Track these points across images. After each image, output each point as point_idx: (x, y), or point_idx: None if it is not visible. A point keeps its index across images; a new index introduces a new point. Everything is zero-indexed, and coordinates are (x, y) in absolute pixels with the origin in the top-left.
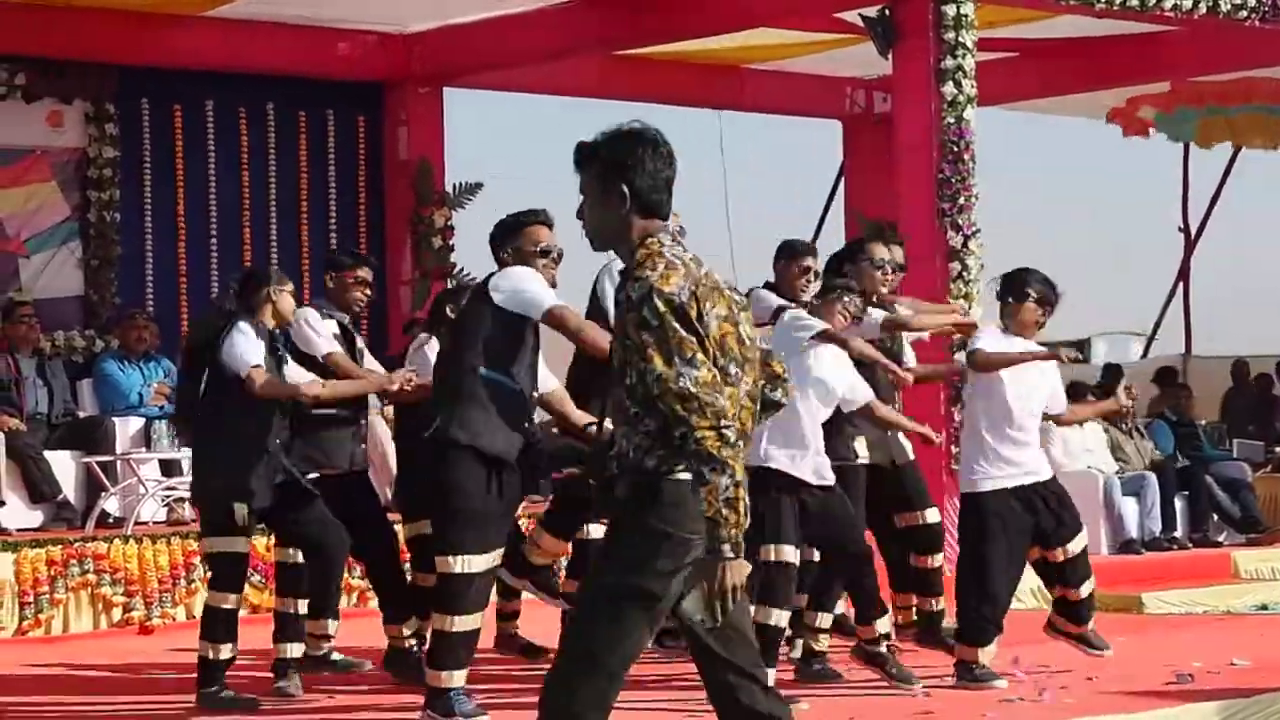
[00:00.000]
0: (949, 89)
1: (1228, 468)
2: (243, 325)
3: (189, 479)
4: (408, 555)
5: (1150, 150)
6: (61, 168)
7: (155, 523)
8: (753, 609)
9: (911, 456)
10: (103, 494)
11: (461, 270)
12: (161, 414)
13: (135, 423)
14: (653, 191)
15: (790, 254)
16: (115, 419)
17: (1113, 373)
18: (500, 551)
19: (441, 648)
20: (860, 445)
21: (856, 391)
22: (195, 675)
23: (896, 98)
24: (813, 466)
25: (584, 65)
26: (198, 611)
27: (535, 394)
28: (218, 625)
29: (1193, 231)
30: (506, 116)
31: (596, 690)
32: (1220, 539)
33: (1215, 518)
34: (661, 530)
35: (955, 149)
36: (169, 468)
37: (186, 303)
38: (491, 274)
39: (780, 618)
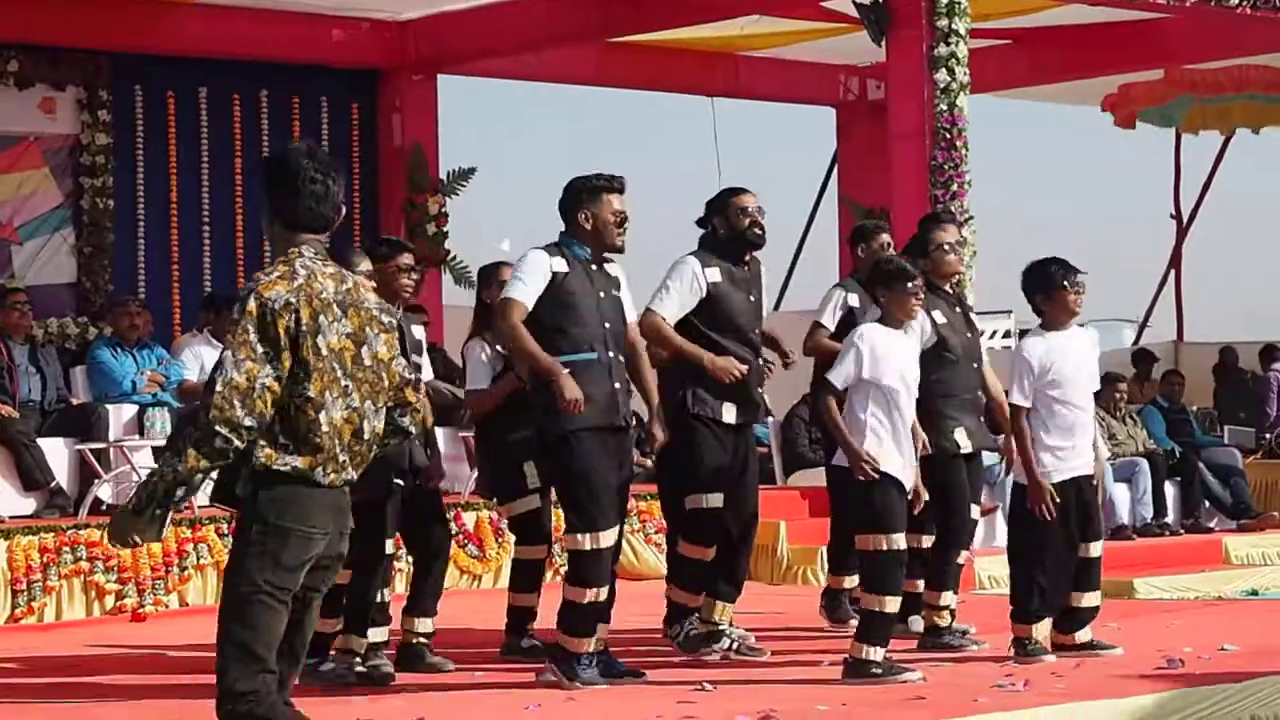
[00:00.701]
0: (942, 76)
1: (1219, 454)
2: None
3: None
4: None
5: (1142, 138)
6: (54, 154)
7: None
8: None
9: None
10: (96, 481)
11: (455, 257)
12: (154, 401)
13: (128, 410)
14: (294, 207)
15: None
16: (108, 406)
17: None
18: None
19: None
20: (961, 435)
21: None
22: (193, 662)
23: (890, 85)
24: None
25: (578, 52)
26: (191, 599)
27: None
28: None
29: (1184, 218)
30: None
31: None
32: (1211, 525)
33: (1206, 504)
34: (277, 525)
35: (948, 136)
36: (162, 455)
37: (179, 290)
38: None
39: (893, 604)
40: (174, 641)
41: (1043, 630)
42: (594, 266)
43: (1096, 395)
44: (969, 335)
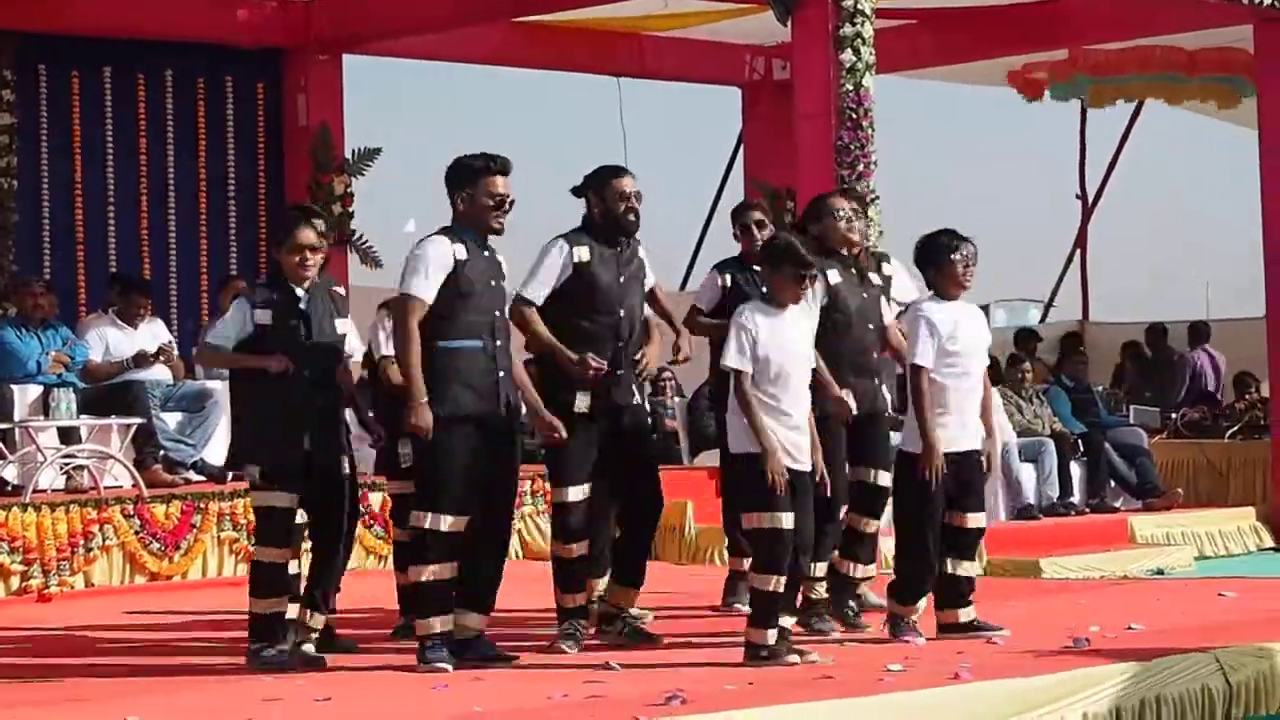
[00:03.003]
0: (848, 56)
1: (1125, 434)
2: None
3: (88, 447)
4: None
5: (1047, 116)
6: None
7: (54, 491)
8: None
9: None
10: (0, 462)
11: (360, 237)
12: (60, 382)
13: (33, 390)
14: None
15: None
16: (13, 387)
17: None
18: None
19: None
20: (848, 398)
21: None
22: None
23: (796, 65)
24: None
25: (484, 33)
26: (96, 580)
27: None
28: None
29: (1089, 198)
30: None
31: None
32: (1117, 505)
33: (1112, 484)
34: None
35: (854, 116)
36: (67, 435)
37: (84, 270)
38: None
39: (779, 583)
40: (80, 621)
41: (919, 611)
42: (484, 252)
43: (1003, 374)
44: (864, 295)
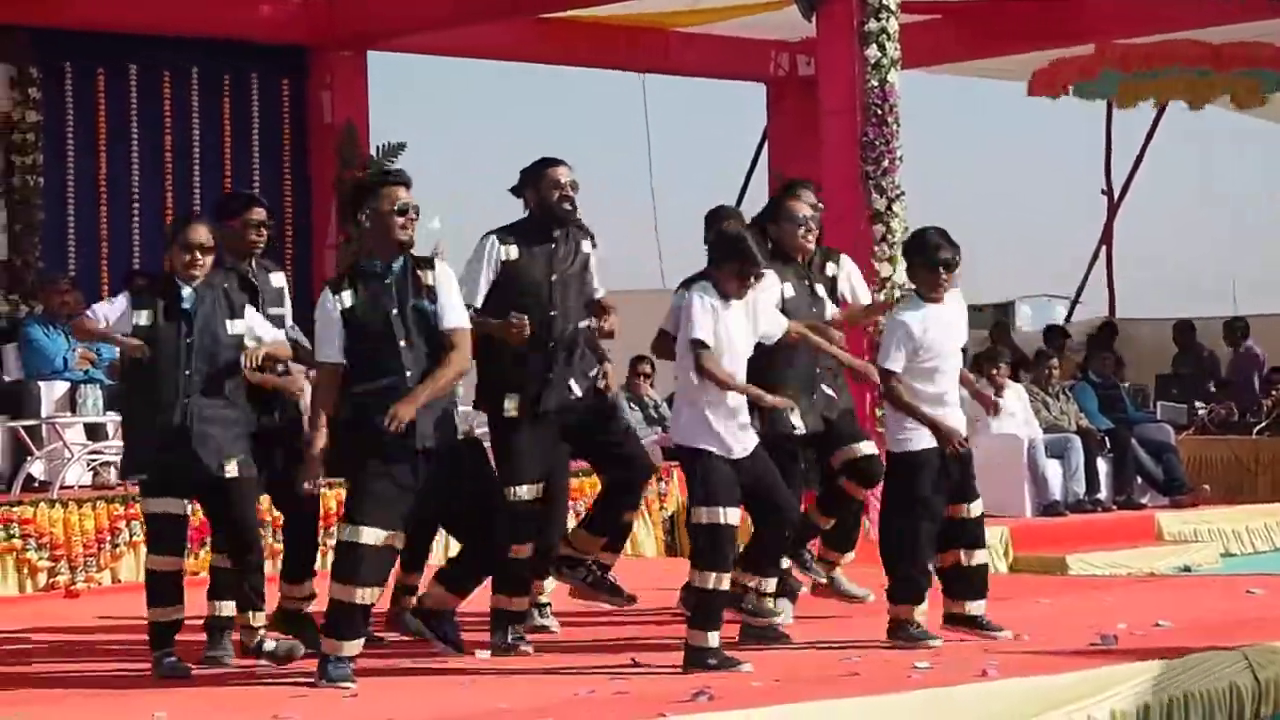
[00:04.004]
0: (873, 52)
1: (1151, 430)
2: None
3: (115, 443)
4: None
5: (1073, 113)
6: None
7: (80, 487)
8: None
9: (843, 408)
10: (28, 458)
11: None
12: (86, 378)
13: (60, 387)
14: None
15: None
16: (40, 384)
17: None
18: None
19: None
20: (795, 418)
21: (774, 325)
22: (127, 640)
23: (820, 60)
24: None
25: (508, 28)
26: (124, 576)
27: None
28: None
29: (1115, 194)
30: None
31: None
32: (1144, 501)
33: (1139, 480)
34: None
35: (879, 112)
36: (94, 432)
37: (108, 268)
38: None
39: (721, 580)
40: (107, 617)
41: (922, 611)
42: (386, 280)
43: (1030, 370)
44: (813, 311)
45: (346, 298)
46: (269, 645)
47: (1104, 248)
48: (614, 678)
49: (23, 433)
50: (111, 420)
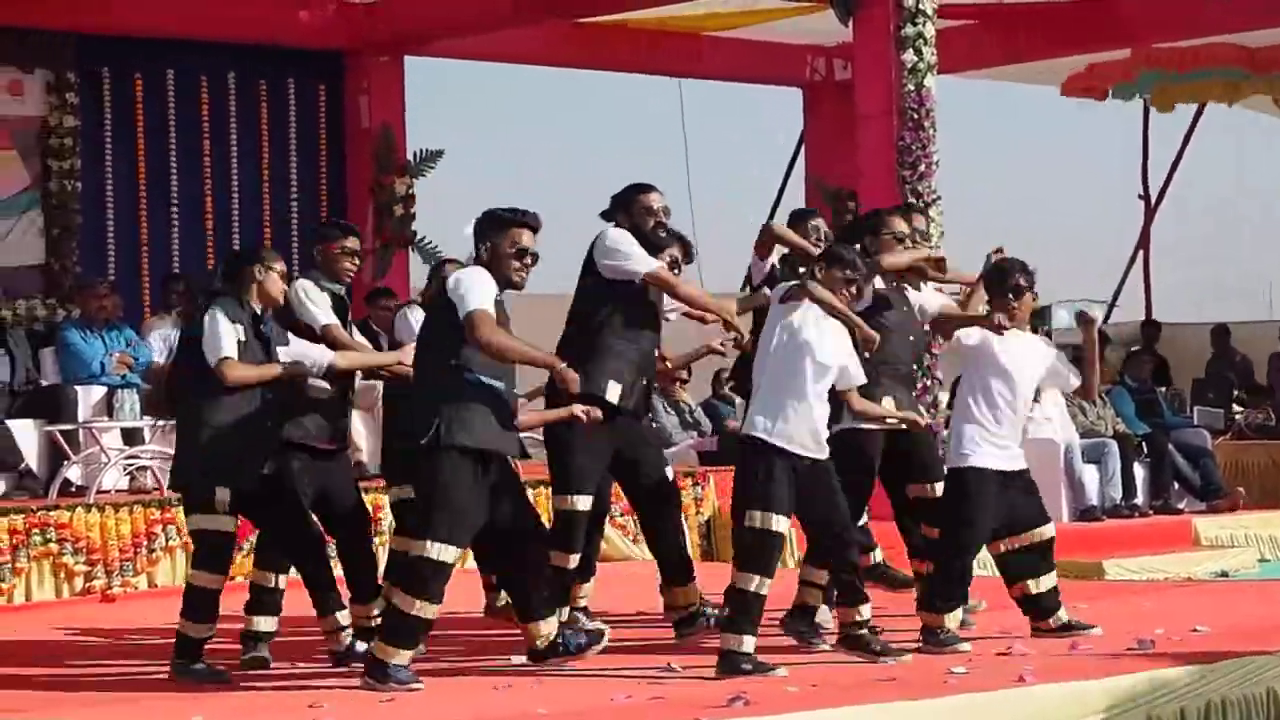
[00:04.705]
0: (909, 56)
1: (1188, 435)
2: (217, 312)
3: (151, 448)
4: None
5: (1110, 116)
6: (22, 136)
7: (117, 491)
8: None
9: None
10: (65, 463)
11: (423, 239)
12: (124, 383)
13: (97, 392)
14: None
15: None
16: (78, 388)
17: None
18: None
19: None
20: (889, 404)
21: (847, 375)
22: (163, 645)
23: (857, 65)
24: (807, 436)
25: (545, 33)
26: (160, 580)
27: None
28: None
29: (1152, 198)
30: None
31: None
32: (1181, 506)
33: (1176, 485)
34: None
35: (915, 116)
36: (131, 436)
37: (148, 271)
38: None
39: (763, 585)
40: (143, 622)
41: (955, 618)
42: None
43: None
44: (905, 308)
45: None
46: (360, 646)
47: (1141, 252)
48: (651, 683)
49: (60, 437)
50: (148, 424)
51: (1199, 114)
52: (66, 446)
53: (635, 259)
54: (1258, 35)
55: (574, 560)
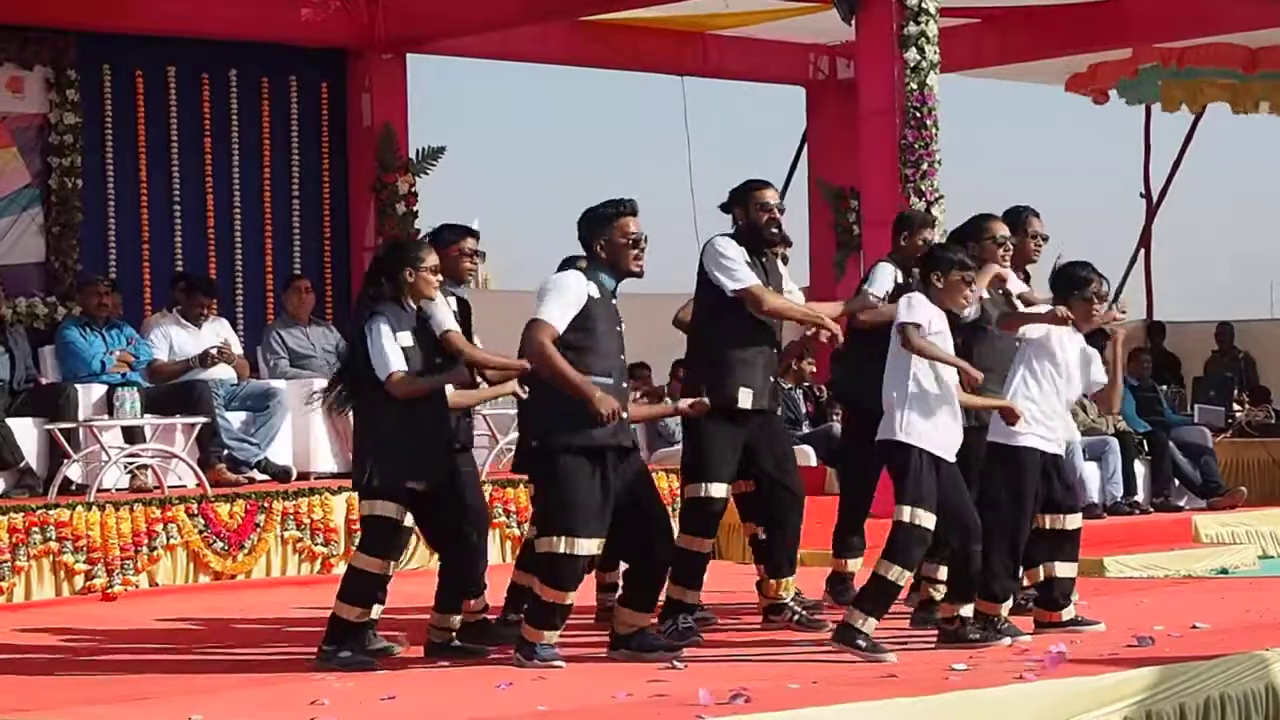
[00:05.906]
0: (912, 55)
1: (1189, 432)
2: (380, 324)
3: (151, 446)
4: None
5: (1112, 116)
6: (22, 134)
7: (118, 490)
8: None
9: None
10: (65, 461)
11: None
12: (124, 381)
13: (98, 390)
14: None
15: (912, 225)
16: (78, 386)
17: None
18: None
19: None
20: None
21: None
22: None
23: (860, 64)
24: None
25: (547, 31)
26: (160, 579)
27: None
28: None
29: (1154, 197)
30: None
31: None
32: (1181, 503)
33: (1176, 482)
34: None
35: (918, 115)
36: (131, 435)
37: (149, 269)
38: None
39: (901, 575)
40: (144, 621)
41: (1006, 608)
42: (613, 299)
43: None
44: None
45: (593, 289)
46: (456, 644)
47: (1142, 251)
48: (653, 680)
49: (60, 435)
50: (149, 423)
51: (1201, 114)
52: (67, 445)
53: (729, 274)
54: (1258, 35)
55: (708, 545)
